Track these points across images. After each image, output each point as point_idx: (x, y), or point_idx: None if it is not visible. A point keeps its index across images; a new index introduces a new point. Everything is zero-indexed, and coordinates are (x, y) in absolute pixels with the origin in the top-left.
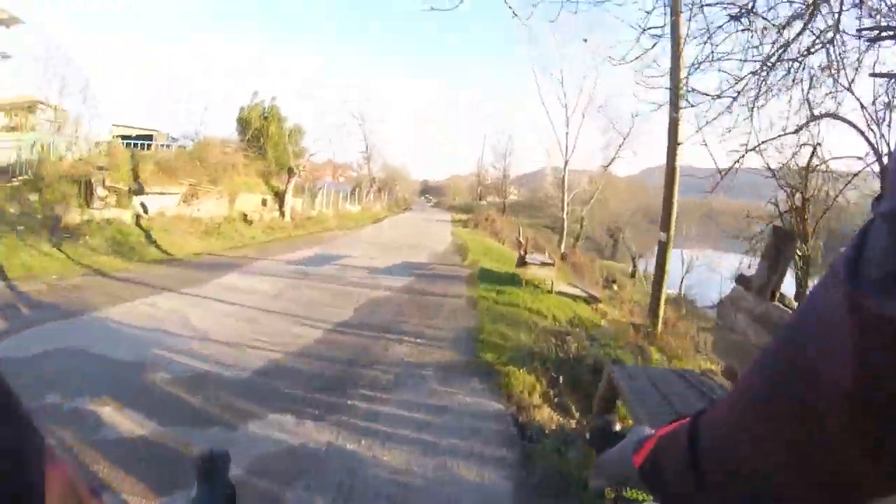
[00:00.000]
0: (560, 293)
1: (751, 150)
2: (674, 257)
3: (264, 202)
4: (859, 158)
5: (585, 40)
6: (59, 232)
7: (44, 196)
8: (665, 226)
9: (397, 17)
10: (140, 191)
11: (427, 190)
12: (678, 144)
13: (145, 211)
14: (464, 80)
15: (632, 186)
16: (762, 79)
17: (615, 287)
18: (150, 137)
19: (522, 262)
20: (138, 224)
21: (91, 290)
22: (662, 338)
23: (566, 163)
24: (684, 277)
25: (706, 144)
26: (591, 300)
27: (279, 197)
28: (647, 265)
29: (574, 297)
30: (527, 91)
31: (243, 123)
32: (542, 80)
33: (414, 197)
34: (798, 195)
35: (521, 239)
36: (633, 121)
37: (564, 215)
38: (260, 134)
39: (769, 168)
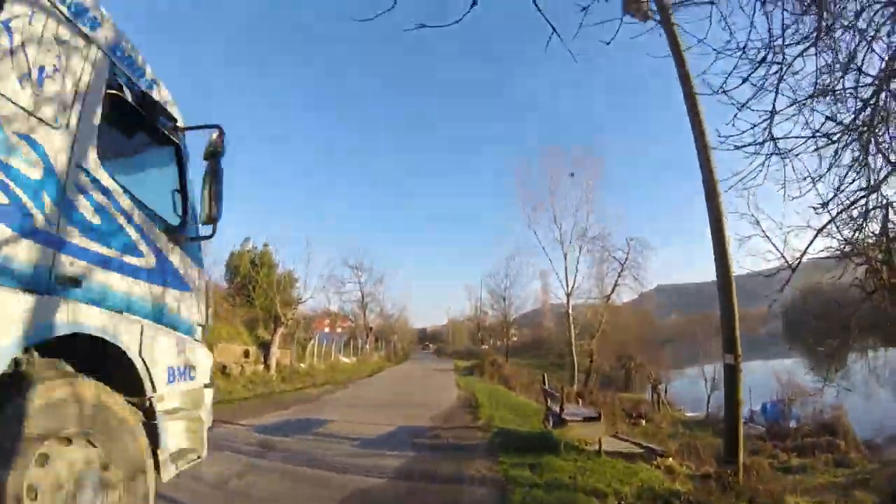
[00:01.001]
0: (609, 453)
1: (825, 227)
2: (695, 375)
3: (247, 353)
4: None
5: (572, 174)
6: None
7: None
8: (729, 344)
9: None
10: None
11: (426, 337)
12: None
13: None
14: (457, 224)
15: (635, 312)
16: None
17: (643, 422)
18: None
19: (560, 420)
20: None
21: None
22: (747, 485)
23: (569, 297)
24: (710, 396)
25: (766, 235)
26: (649, 455)
27: (265, 347)
28: (667, 391)
29: (628, 455)
30: (521, 230)
31: (232, 269)
32: (535, 217)
33: (413, 345)
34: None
35: (548, 389)
36: (629, 246)
37: (573, 351)
38: (248, 281)
39: (847, 244)
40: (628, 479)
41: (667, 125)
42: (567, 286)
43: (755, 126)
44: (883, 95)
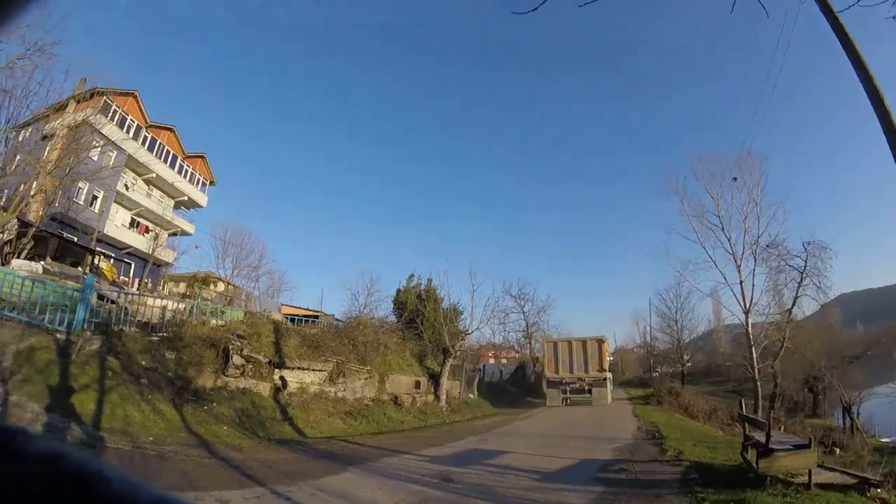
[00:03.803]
0: (820, 485)
1: None
2: (888, 395)
3: (418, 384)
4: None
5: (735, 179)
6: (186, 393)
7: (179, 355)
8: None
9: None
10: (281, 364)
11: None
12: None
13: (284, 385)
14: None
15: (818, 327)
16: None
17: (838, 451)
18: (316, 317)
19: (766, 451)
20: (276, 398)
21: (167, 466)
22: None
23: (747, 314)
24: None
25: None
26: (861, 486)
27: (434, 379)
28: (859, 414)
29: (841, 487)
30: (685, 244)
31: (399, 304)
32: (701, 229)
33: None
34: None
35: (749, 415)
36: (807, 251)
37: (756, 375)
38: (415, 315)
39: None
40: None
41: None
42: (744, 303)
43: None
44: None
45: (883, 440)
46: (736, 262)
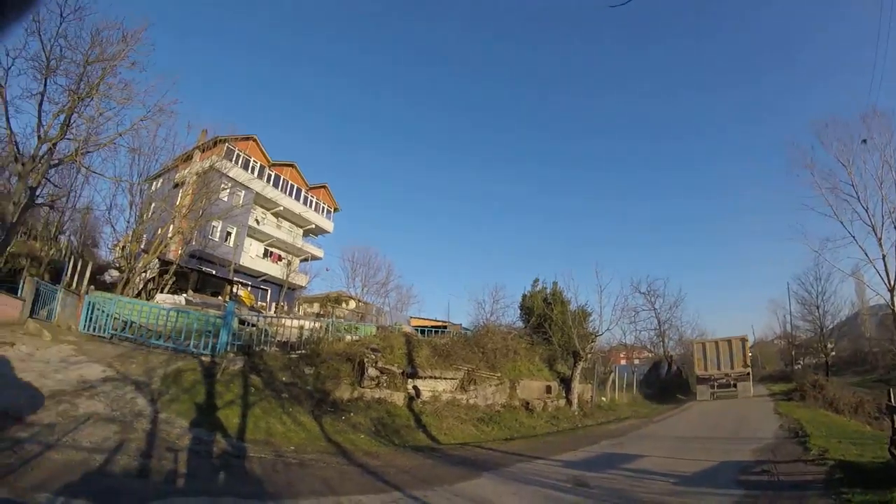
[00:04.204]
0: None
1: None
2: None
3: (549, 389)
4: None
5: (864, 141)
6: (324, 405)
7: (317, 370)
8: None
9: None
10: (414, 374)
11: None
12: None
13: (417, 394)
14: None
15: None
16: None
17: None
18: (444, 328)
19: None
20: (410, 407)
21: (308, 473)
22: None
23: (892, 292)
24: None
25: None
26: None
27: (565, 383)
28: None
29: None
30: (818, 221)
31: (525, 310)
32: (835, 201)
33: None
34: None
35: (894, 404)
36: None
37: None
38: (543, 319)
39: None
40: None
41: None
42: (888, 279)
43: None
44: None
45: None
46: (876, 234)
